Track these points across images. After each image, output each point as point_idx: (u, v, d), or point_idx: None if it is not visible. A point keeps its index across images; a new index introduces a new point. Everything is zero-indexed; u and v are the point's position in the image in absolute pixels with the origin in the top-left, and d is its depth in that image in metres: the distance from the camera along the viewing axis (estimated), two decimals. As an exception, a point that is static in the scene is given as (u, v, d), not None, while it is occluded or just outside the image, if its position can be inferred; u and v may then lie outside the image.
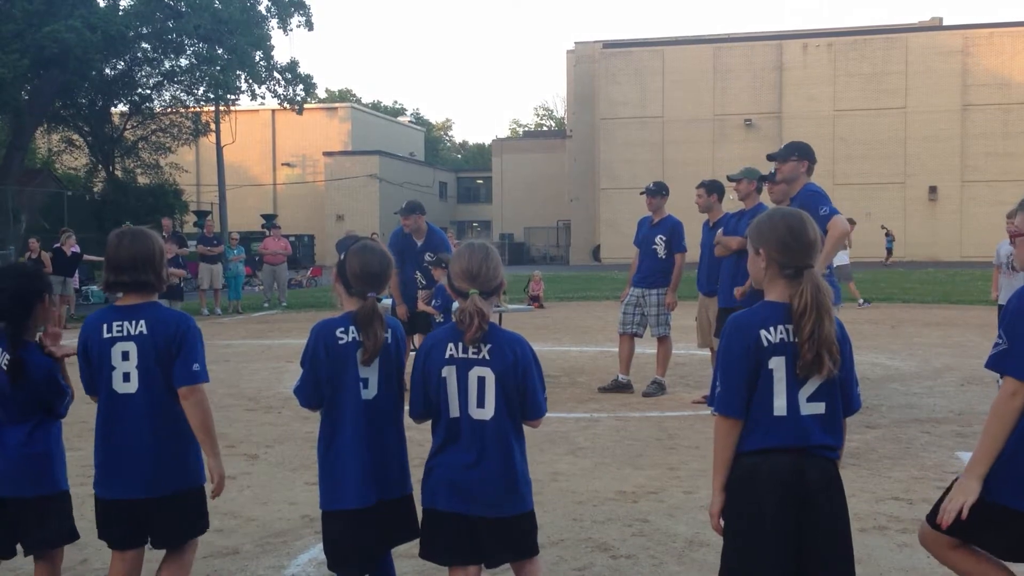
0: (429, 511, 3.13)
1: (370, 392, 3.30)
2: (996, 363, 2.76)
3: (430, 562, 3.25)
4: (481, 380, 3.05)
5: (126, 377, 3.26)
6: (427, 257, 9.23)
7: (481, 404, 3.05)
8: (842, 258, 19.59)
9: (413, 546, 4.49)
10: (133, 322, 3.27)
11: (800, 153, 7.02)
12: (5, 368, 3.36)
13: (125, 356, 3.25)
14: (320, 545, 4.61)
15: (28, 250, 17.88)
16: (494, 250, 3.22)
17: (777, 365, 2.73)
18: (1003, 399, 2.75)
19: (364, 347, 3.25)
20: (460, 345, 3.06)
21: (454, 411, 3.07)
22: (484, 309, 3.04)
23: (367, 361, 3.26)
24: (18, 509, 3.39)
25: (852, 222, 10.39)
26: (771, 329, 2.75)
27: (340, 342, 3.28)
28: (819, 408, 2.74)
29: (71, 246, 17.95)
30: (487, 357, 3.06)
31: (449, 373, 3.06)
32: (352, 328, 3.29)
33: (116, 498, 3.27)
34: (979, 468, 2.80)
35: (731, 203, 8.56)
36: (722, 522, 2.86)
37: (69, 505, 3.58)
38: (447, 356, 3.07)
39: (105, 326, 3.28)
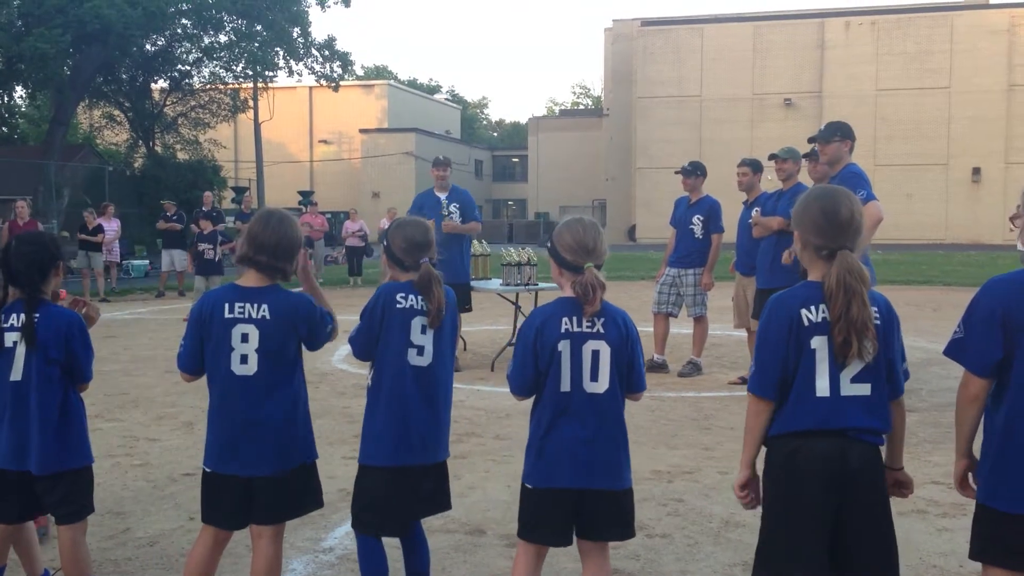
0: (541, 491, 3.04)
1: (425, 359, 3.42)
2: (952, 351, 2.76)
3: (528, 542, 3.10)
4: (595, 353, 3.02)
5: (244, 359, 3.22)
6: (451, 208, 9.28)
7: (595, 378, 3.02)
8: None
9: (448, 520, 4.57)
10: (255, 305, 3.24)
11: (843, 133, 6.98)
12: (21, 329, 3.37)
13: (244, 338, 3.22)
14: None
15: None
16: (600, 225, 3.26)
17: (820, 345, 2.69)
18: (960, 388, 2.76)
19: (428, 311, 3.41)
20: (575, 319, 3.04)
21: (565, 385, 3.02)
22: (603, 281, 3.05)
23: (433, 323, 3.42)
24: (44, 484, 3.42)
25: None
26: (812, 308, 2.70)
27: (398, 306, 3.42)
28: (861, 390, 2.69)
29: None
30: (601, 330, 3.04)
31: (564, 347, 3.02)
32: (411, 295, 3.43)
33: (231, 474, 3.26)
34: (959, 449, 2.83)
35: (767, 182, 8.48)
36: (743, 492, 2.86)
37: (90, 477, 3.60)
38: (563, 330, 3.03)
39: (227, 306, 3.24)
